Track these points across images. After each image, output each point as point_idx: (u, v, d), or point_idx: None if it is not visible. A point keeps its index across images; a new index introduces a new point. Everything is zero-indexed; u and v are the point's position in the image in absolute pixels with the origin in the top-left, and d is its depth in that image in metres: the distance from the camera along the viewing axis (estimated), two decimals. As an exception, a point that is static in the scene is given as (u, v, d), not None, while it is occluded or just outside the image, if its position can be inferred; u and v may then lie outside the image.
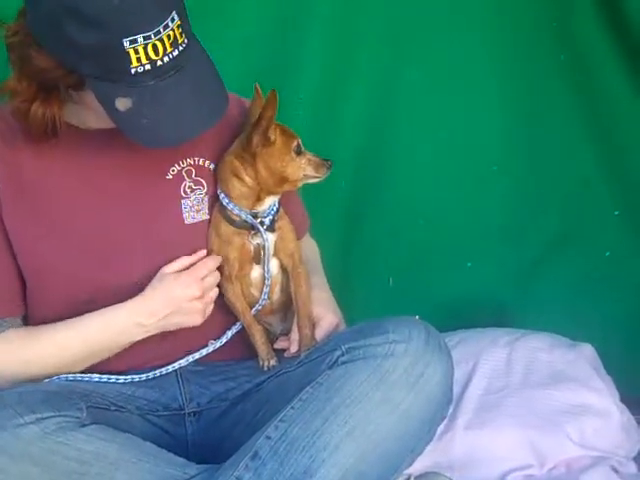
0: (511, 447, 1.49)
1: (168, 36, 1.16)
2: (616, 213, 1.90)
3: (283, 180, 1.38)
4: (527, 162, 1.94)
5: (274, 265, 1.42)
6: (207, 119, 1.25)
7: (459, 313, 1.88)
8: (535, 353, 1.64)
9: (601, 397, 1.54)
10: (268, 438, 1.17)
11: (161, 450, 1.24)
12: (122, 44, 1.14)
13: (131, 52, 1.15)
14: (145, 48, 1.15)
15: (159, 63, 1.17)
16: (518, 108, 1.91)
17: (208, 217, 1.41)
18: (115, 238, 1.37)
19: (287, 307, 1.46)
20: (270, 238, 1.39)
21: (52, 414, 1.16)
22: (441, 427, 1.35)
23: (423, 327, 1.22)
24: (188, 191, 1.40)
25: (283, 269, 1.43)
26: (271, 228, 1.39)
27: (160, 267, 1.37)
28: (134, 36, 1.14)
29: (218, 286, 1.41)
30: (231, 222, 1.39)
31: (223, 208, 1.39)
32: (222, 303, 1.43)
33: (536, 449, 1.48)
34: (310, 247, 1.60)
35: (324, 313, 1.40)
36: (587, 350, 1.66)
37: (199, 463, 1.26)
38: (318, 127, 1.90)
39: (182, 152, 1.39)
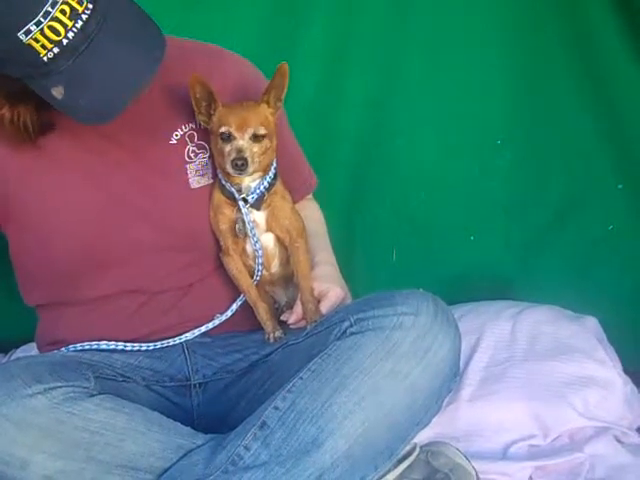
0: (515, 418, 1.49)
1: (62, 11, 1.13)
2: (619, 187, 1.90)
3: (220, 162, 1.32)
4: (530, 136, 1.94)
5: (269, 239, 1.41)
6: (142, 73, 1.20)
7: (463, 286, 1.88)
8: (539, 325, 1.64)
9: (605, 368, 1.55)
10: (276, 408, 1.17)
11: (169, 420, 1.24)
12: (19, 39, 1.12)
13: (32, 43, 1.13)
14: (42, 33, 1.13)
15: (65, 42, 1.14)
16: (521, 82, 1.90)
17: (212, 181, 1.40)
18: (120, 205, 1.37)
19: (288, 279, 1.46)
20: (257, 215, 1.37)
21: (60, 384, 1.16)
22: (445, 399, 1.35)
23: (432, 300, 1.21)
24: (192, 155, 1.40)
25: (281, 243, 1.42)
26: (256, 206, 1.36)
27: (167, 232, 1.37)
28: (25, 27, 1.12)
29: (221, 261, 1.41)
30: (222, 190, 1.38)
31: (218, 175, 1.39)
32: (228, 277, 1.43)
33: (540, 420, 1.49)
34: (316, 218, 1.59)
35: (329, 286, 1.40)
36: (591, 322, 1.67)
37: (205, 434, 1.26)
38: (321, 101, 1.90)
39: (184, 116, 1.39)
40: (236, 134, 1.30)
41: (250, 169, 1.29)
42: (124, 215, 1.37)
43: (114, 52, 1.18)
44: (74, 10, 1.14)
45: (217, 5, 1.84)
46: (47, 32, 1.13)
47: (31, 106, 1.27)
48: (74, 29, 1.14)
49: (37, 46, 1.13)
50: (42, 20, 1.12)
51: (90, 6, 1.15)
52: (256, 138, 1.30)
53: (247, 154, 1.28)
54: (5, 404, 1.12)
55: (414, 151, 1.94)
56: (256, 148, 1.30)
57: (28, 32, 1.12)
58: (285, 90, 1.33)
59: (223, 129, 1.30)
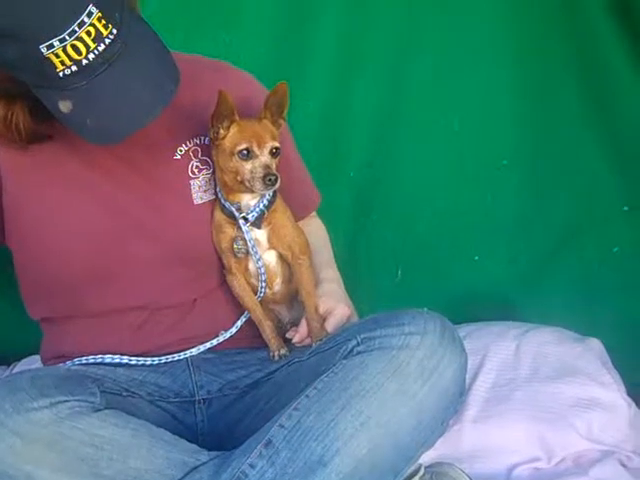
0: (519, 440, 1.48)
1: (88, 32, 1.14)
2: (625, 209, 1.91)
3: (234, 180, 1.32)
4: (536, 157, 1.95)
5: (271, 257, 1.40)
6: (151, 108, 1.21)
7: (466, 306, 1.88)
8: (543, 346, 1.63)
9: (609, 391, 1.54)
10: (282, 427, 1.17)
11: (173, 436, 1.23)
12: (40, 51, 1.13)
13: (52, 57, 1.13)
14: (64, 50, 1.13)
15: (85, 62, 1.15)
16: (526, 103, 1.92)
17: (215, 197, 1.41)
18: (122, 220, 1.37)
19: (292, 297, 1.46)
20: (258, 233, 1.37)
21: (65, 398, 1.15)
22: (451, 419, 1.34)
23: (439, 320, 1.21)
24: (196, 171, 1.40)
25: (284, 261, 1.41)
26: (257, 224, 1.36)
27: (170, 248, 1.37)
28: (49, 41, 1.12)
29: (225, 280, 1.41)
30: (222, 209, 1.38)
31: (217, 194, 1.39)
32: (232, 293, 1.43)
33: (544, 442, 1.48)
34: (319, 235, 1.59)
35: (335, 304, 1.40)
36: (595, 344, 1.66)
37: (209, 451, 1.25)
38: (327, 118, 1.91)
39: (188, 132, 1.39)
40: (257, 150, 1.30)
41: (278, 184, 1.29)
42: (126, 230, 1.37)
43: (129, 81, 1.19)
44: (99, 33, 1.15)
45: (224, 22, 1.85)
46: (69, 50, 1.13)
47: (26, 109, 1.27)
48: (96, 51, 1.15)
49: (56, 61, 1.14)
50: (67, 38, 1.12)
51: (114, 31, 1.16)
52: (274, 153, 1.31)
53: (274, 169, 1.29)
54: (11, 417, 1.11)
55: (419, 170, 1.95)
56: (274, 163, 1.31)
57: (50, 46, 1.12)
58: (286, 108, 1.34)
59: (242, 146, 1.30)
